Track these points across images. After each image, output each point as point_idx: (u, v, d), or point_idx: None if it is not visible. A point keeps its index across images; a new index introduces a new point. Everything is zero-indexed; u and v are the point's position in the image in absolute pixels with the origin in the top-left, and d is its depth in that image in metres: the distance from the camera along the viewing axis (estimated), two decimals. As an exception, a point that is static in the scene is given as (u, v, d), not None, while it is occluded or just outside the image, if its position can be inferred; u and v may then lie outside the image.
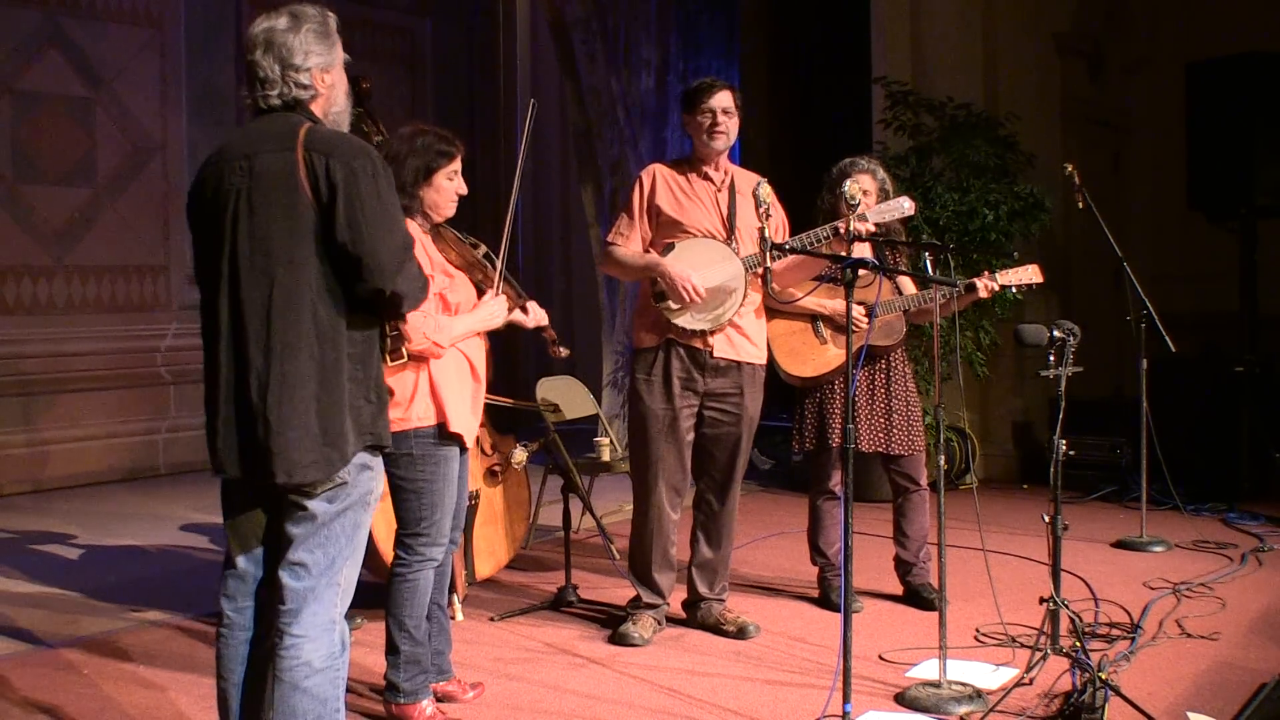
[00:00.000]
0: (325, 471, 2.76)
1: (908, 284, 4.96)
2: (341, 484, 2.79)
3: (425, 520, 3.62)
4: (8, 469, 7.85)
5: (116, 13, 8.51)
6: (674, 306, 4.40)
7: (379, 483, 2.93)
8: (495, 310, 3.78)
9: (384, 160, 2.87)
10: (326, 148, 2.75)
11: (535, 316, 4.00)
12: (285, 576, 2.80)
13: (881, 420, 4.90)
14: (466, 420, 3.68)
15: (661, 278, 4.40)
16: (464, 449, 3.71)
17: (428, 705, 3.66)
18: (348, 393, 2.79)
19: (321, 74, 2.87)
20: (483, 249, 3.85)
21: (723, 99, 4.47)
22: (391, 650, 3.67)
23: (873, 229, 4.22)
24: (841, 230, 4.17)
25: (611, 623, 4.66)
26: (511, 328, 3.96)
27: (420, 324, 3.47)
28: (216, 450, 2.81)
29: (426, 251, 3.59)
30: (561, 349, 4.15)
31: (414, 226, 3.49)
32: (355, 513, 2.85)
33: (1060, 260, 8.15)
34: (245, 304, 2.75)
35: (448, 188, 3.68)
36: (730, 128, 4.49)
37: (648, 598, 4.60)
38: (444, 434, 3.61)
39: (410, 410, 3.56)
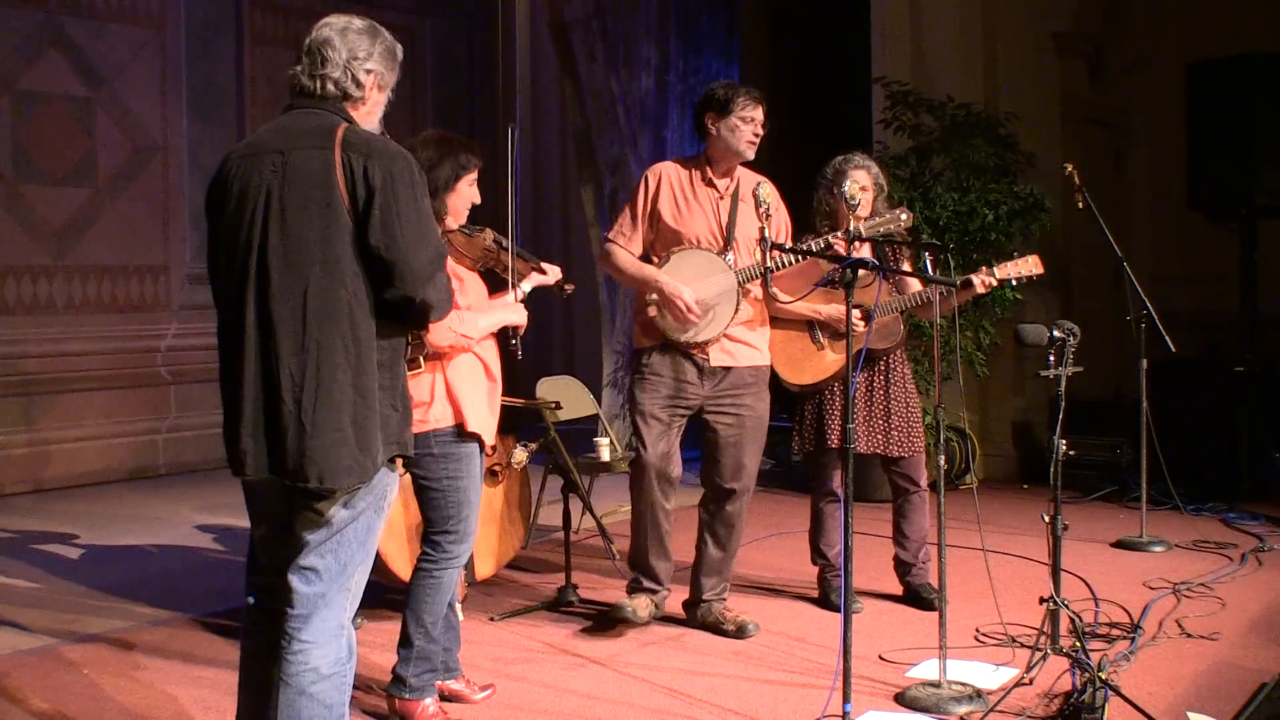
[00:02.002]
0: (359, 477, 2.71)
1: (910, 283, 4.94)
2: (358, 488, 2.75)
3: (454, 518, 3.63)
4: (8, 469, 7.85)
5: (116, 13, 8.50)
6: (671, 322, 4.41)
7: (394, 488, 2.89)
8: (519, 309, 3.83)
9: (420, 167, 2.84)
10: (365, 149, 2.71)
11: (553, 273, 4.06)
12: (296, 581, 2.75)
13: (881, 422, 4.90)
14: (485, 419, 3.69)
15: (658, 294, 4.41)
16: (483, 448, 3.72)
17: (431, 704, 3.66)
18: (378, 399, 2.74)
19: (376, 83, 2.85)
20: (490, 233, 3.86)
21: (762, 113, 4.47)
22: (404, 644, 3.66)
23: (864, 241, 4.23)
24: (834, 244, 4.18)
25: (611, 623, 4.65)
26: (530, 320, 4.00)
27: (448, 320, 3.46)
28: (238, 451, 2.72)
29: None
30: (568, 286, 4.18)
31: None
32: (369, 518, 2.81)
33: (1060, 260, 8.15)
34: (277, 303, 2.68)
35: (467, 194, 3.72)
36: None
37: (646, 583, 4.62)
38: (462, 433, 3.63)
39: (429, 413, 3.58)
